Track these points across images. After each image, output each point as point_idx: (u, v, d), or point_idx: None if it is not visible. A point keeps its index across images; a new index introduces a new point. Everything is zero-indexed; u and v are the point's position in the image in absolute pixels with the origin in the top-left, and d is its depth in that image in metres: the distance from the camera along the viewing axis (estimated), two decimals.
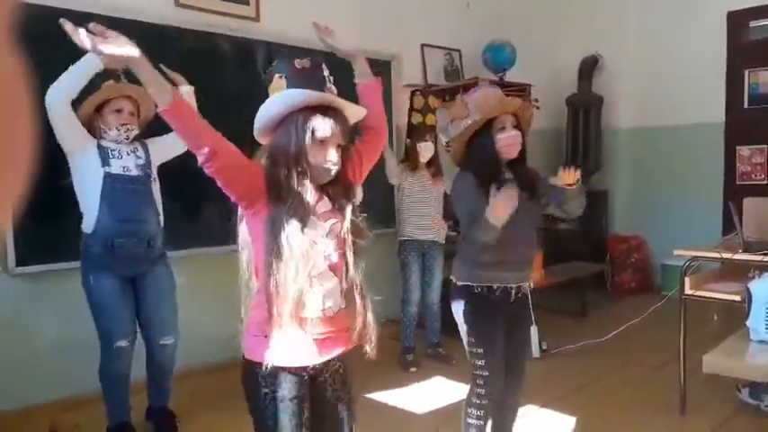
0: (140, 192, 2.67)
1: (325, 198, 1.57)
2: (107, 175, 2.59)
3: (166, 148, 2.76)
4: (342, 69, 1.71)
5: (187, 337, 3.16)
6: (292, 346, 1.49)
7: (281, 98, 1.52)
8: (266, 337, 1.48)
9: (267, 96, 1.57)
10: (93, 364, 2.82)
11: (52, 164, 3.14)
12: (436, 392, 3.46)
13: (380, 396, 3.34)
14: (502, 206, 1.95)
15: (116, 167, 2.62)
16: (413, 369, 3.81)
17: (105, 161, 2.60)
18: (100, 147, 2.62)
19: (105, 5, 3.33)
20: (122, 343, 2.68)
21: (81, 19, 3.34)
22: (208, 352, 3.55)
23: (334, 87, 1.59)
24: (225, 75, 3.84)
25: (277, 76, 1.56)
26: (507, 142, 2.13)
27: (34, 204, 3.15)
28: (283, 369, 1.51)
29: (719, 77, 5.64)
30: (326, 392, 1.63)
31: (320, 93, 1.52)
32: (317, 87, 1.53)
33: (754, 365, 1.61)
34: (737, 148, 5.64)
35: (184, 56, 3.67)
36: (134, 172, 2.66)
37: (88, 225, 2.62)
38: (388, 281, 4.14)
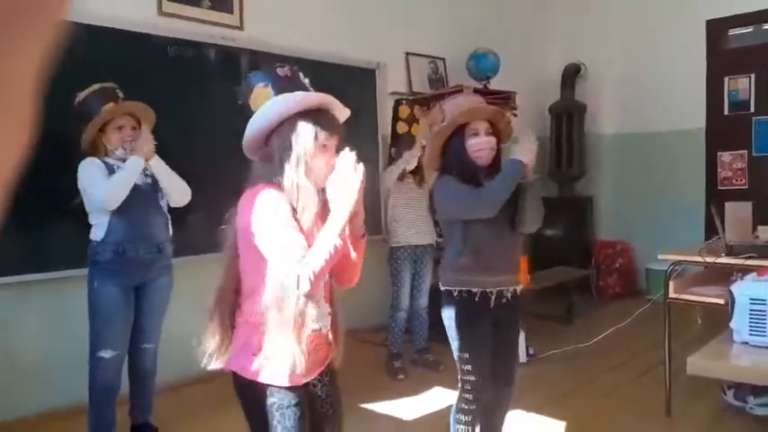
0: (149, 199, 2.72)
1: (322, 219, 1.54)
2: None
3: (171, 189, 2.80)
4: (315, 75, 1.69)
5: (173, 349, 3.12)
6: (291, 364, 1.47)
7: (277, 103, 1.50)
8: (264, 357, 1.48)
9: (249, 108, 1.55)
10: (77, 375, 2.78)
11: (37, 173, 3.12)
12: (425, 399, 3.46)
13: (368, 404, 3.32)
14: (526, 153, 2.10)
15: None
16: (401, 376, 3.80)
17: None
18: (107, 164, 2.67)
19: (88, 14, 3.30)
20: (106, 354, 2.67)
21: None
22: (194, 363, 3.51)
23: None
24: (209, 83, 3.83)
25: (261, 84, 1.54)
26: (477, 148, 2.16)
27: (17, 214, 3.12)
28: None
29: (700, 84, 5.72)
30: (316, 402, 1.63)
31: (321, 94, 1.52)
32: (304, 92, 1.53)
33: (738, 367, 1.63)
34: (719, 153, 5.72)
35: (168, 64, 3.66)
36: (142, 185, 2.71)
37: (98, 233, 2.66)
38: (375, 287, 4.13)
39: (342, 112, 1.59)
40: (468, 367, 2.18)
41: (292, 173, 1.48)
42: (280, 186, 1.49)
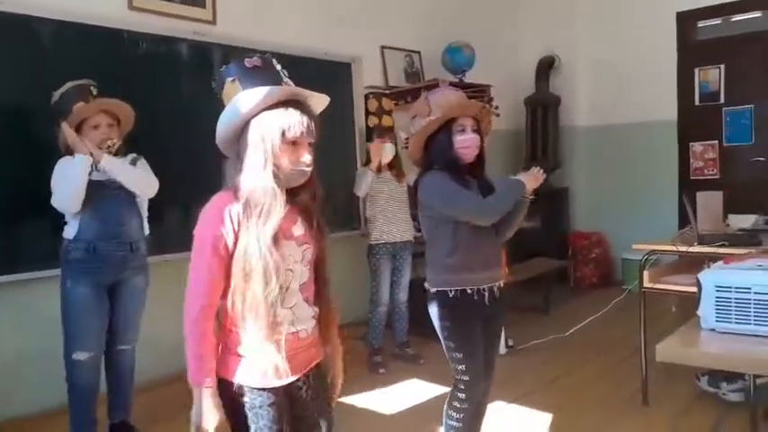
0: (122, 197, 2.67)
1: (299, 219, 1.51)
2: (90, 183, 2.57)
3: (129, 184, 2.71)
4: (290, 70, 1.62)
5: (151, 347, 3.10)
6: (263, 366, 1.45)
7: (241, 101, 1.42)
8: (238, 356, 1.46)
9: (222, 103, 1.49)
10: (53, 378, 2.74)
11: (15, 173, 3.07)
12: (406, 393, 3.47)
13: (350, 399, 3.33)
14: (532, 180, 2.16)
15: (98, 176, 2.61)
16: (382, 371, 3.81)
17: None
18: None
19: (57, 10, 3.25)
20: (81, 356, 2.63)
21: (33, 23, 3.29)
22: (171, 362, 3.48)
23: (290, 81, 1.51)
24: (181, 79, 3.78)
25: (229, 80, 1.48)
26: (465, 144, 2.16)
27: None
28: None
29: (671, 76, 5.81)
30: (300, 397, 1.58)
31: (283, 87, 1.44)
32: (274, 83, 1.46)
33: (705, 353, 1.67)
34: (690, 144, 5.82)
35: (139, 60, 3.61)
36: (111, 183, 2.64)
37: (70, 231, 2.62)
38: (353, 282, 4.13)
39: (319, 102, 1.51)
40: (462, 367, 2.18)
41: (257, 174, 1.41)
42: (235, 192, 1.42)
